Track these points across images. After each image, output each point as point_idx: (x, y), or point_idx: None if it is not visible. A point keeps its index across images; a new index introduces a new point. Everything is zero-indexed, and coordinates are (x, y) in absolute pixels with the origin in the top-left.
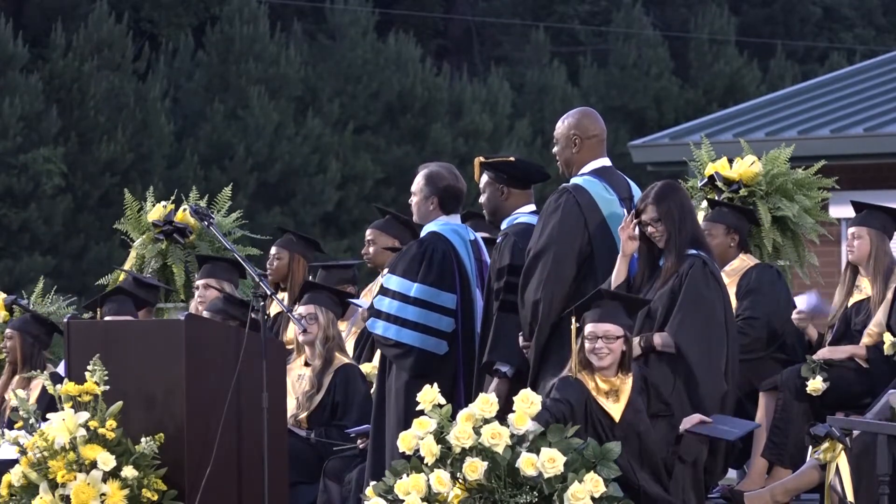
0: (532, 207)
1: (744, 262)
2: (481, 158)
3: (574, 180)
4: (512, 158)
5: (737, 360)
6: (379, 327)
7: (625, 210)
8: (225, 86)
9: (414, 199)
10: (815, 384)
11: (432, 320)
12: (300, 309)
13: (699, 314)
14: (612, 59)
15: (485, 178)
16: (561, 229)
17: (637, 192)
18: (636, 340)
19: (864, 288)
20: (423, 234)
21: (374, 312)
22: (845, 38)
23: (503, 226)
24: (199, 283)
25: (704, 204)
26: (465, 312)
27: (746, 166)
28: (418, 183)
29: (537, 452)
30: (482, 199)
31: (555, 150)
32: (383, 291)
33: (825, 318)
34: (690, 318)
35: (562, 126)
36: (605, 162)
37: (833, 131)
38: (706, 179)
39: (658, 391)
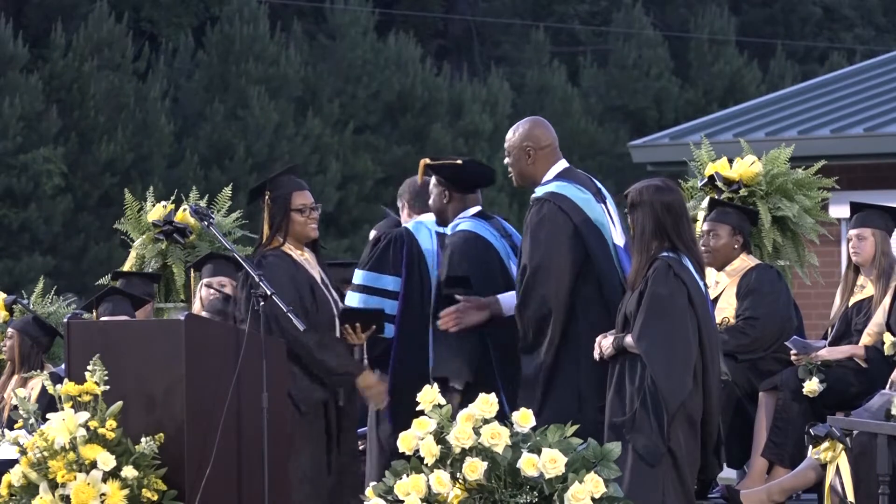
0: (476, 210)
1: (744, 262)
2: (427, 160)
3: (546, 188)
4: (459, 161)
5: (715, 360)
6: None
7: (601, 205)
8: (225, 86)
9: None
10: (811, 385)
11: (374, 304)
12: None
13: (659, 317)
14: (612, 59)
15: (432, 180)
16: (554, 241)
17: (600, 185)
18: (609, 341)
19: (868, 288)
20: None
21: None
22: (845, 38)
23: (449, 230)
24: (212, 281)
25: (705, 204)
26: (412, 296)
27: (746, 166)
28: (399, 194)
29: (538, 453)
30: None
31: (506, 161)
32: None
33: (818, 348)
34: (650, 321)
35: (513, 138)
36: (564, 163)
37: (833, 131)
38: (706, 179)
39: None
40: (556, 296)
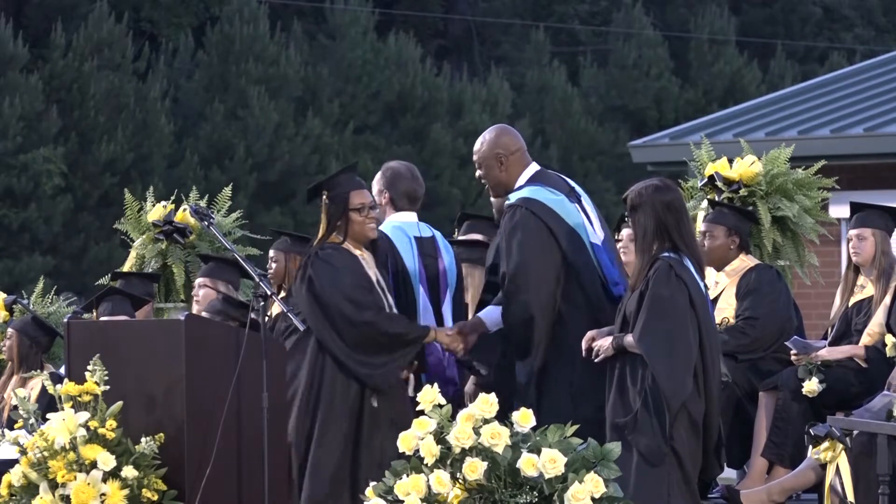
0: None
1: (744, 262)
2: None
3: (519, 194)
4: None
5: (716, 360)
6: None
7: (575, 204)
8: (225, 86)
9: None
10: (811, 386)
11: None
12: None
13: (660, 317)
14: (612, 59)
15: None
16: (529, 245)
17: (575, 185)
18: (609, 341)
19: (868, 288)
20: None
21: None
22: (845, 38)
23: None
24: (197, 281)
25: (704, 204)
26: (400, 310)
27: (746, 166)
28: (375, 179)
29: (538, 453)
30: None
31: (478, 173)
32: None
33: (818, 348)
34: (651, 321)
35: (482, 148)
36: (535, 167)
37: (833, 131)
38: (706, 179)
39: None
40: (538, 299)
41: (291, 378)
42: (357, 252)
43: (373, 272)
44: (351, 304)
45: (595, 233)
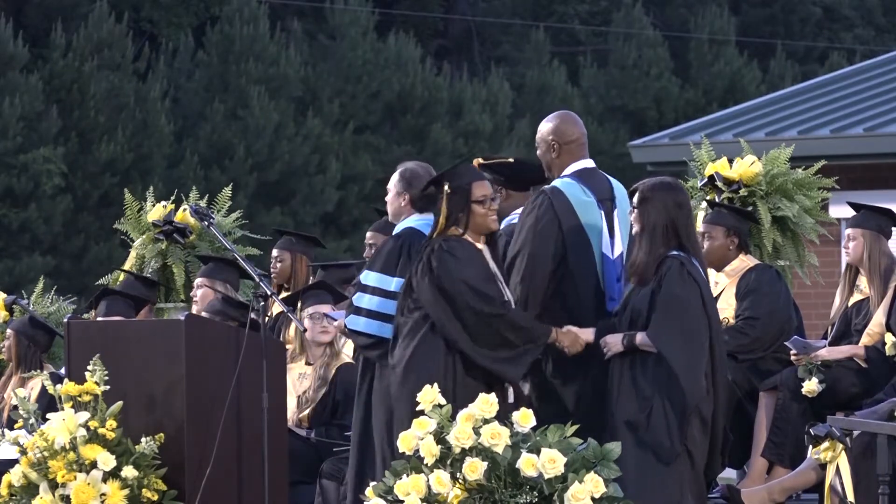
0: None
1: (743, 262)
2: (480, 160)
3: (553, 183)
4: (511, 159)
5: (723, 359)
6: (360, 324)
7: (603, 212)
8: (225, 86)
9: (388, 196)
10: (811, 386)
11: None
12: (324, 308)
13: (675, 316)
14: (612, 59)
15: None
16: (535, 230)
17: (619, 192)
18: (618, 338)
19: (865, 288)
20: (396, 230)
21: (354, 309)
22: (845, 38)
23: (501, 226)
24: (195, 282)
25: (704, 204)
26: None
27: (746, 166)
28: (393, 180)
29: (538, 453)
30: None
31: (538, 153)
32: (362, 288)
33: (818, 348)
34: (667, 320)
35: (542, 130)
36: (587, 163)
37: (833, 131)
38: (706, 179)
39: None
40: (530, 283)
41: (409, 374)
42: (478, 244)
43: (493, 264)
44: (478, 295)
45: (612, 245)
